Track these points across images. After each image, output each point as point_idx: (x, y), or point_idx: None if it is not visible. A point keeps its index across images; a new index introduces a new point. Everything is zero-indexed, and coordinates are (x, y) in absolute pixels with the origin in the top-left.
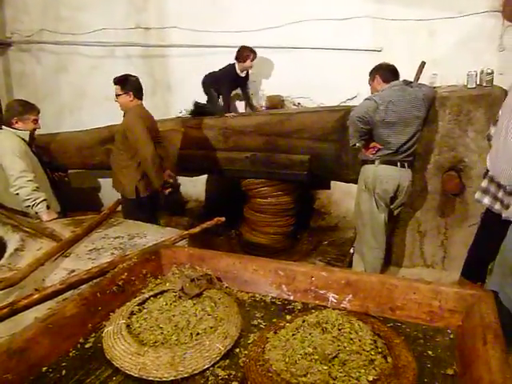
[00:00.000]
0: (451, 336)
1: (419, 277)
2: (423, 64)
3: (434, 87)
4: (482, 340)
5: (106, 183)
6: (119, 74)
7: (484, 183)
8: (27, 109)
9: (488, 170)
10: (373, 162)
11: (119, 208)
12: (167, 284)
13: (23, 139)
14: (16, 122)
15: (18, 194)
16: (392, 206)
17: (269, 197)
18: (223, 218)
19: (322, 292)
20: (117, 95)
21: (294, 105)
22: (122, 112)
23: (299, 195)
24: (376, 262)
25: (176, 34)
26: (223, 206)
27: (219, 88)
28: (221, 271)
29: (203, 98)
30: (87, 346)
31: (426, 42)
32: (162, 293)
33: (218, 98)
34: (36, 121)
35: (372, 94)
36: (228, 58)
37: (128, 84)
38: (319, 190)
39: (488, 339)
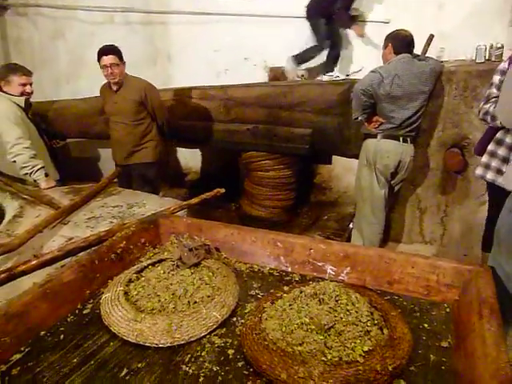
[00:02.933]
0: (447, 310)
1: (417, 253)
2: (431, 37)
3: (442, 61)
4: (477, 314)
5: (105, 153)
6: (115, 42)
7: (485, 158)
8: (9, 69)
9: (486, 147)
10: (375, 136)
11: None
12: (165, 253)
13: (19, 105)
14: (4, 86)
15: (14, 161)
16: (392, 182)
17: (269, 170)
18: (223, 190)
19: (320, 264)
20: (113, 65)
21: (297, 77)
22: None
23: (300, 169)
24: (374, 238)
25: (178, 0)
26: (223, 178)
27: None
28: (219, 241)
29: (211, 69)
30: (85, 311)
31: (434, 14)
32: (159, 261)
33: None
34: (24, 84)
35: (383, 60)
36: (233, 26)
37: (122, 53)
38: (320, 164)
39: (484, 313)
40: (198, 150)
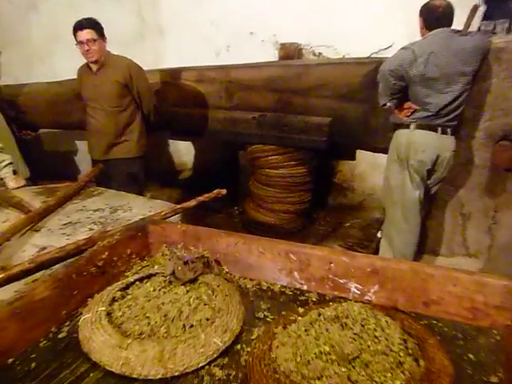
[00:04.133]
0: (497, 337)
1: (460, 268)
2: (475, 8)
3: (489, 36)
4: None
5: (84, 146)
6: (96, 15)
7: None
8: None
9: None
10: (407, 126)
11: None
12: (156, 266)
13: None
14: None
15: None
16: (429, 182)
17: (279, 167)
18: (224, 191)
19: (342, 281)
20: (90, 41)
21: (314, 55)
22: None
23: (316, 166)
24: (407, 249)
25: None
26: (224, 177)
27: None
28: (220, 253)
29: (209, 46)
30: (61, 335)
31: None
32: (149, 277)
33: None
34: None
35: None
36: None
37: (103, 28)
38: (341, 160)
39: None
40: (193, 142)
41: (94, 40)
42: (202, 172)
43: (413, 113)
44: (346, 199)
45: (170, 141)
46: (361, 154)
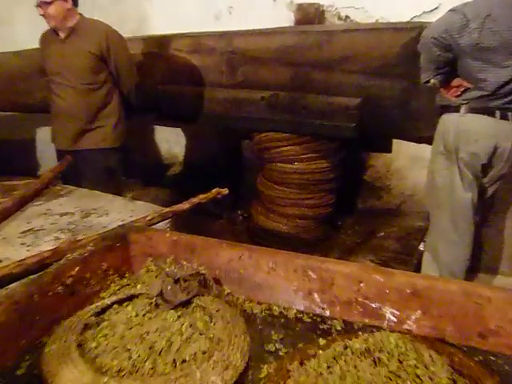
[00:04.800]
0: None
1: None
2: None
3: None
4: None
5: (47, 134)
6: None
7: None
8: None
9: None
10: (457, 109)
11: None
12: (138, 286)
13: None
14: None
15: None
16: (484, 180)
17: (295, 161)
18: (226, 190)
19: (374, 305)
20: (45, 4)
21: (340, 19)
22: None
23: (342, 160)
24: (457, 265)
25: None
26: (225, 173)
27: None
28: (220, 269)
29: (206, 7)
30: (19, 372)
31: None
32: (130, 298)
33: None
34: None
35: None
36: None
37: None
38: (374, 152)
39: None
40: (186, 130)
41: (48, 2)
42: (196, 167)
43: (463, 92)
44: (379, 202)
45: (157, 127)
46: (399, 144)
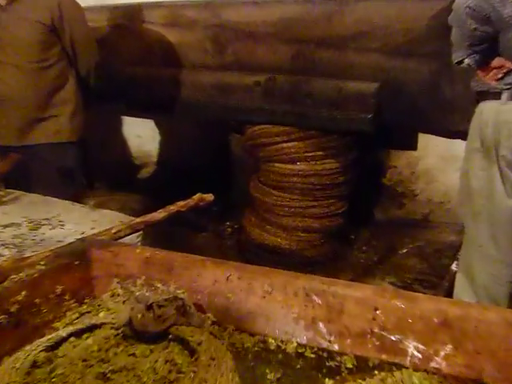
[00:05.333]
0: None
1: None
2: None
3: None
4: None
5: None
6: None
7: None
8: None
9: None
10: (498, 95)
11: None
12: (101, 314)
13: None
14: None
15: None
16: None
17: (298, 160)
18: (211, 196)
19: (394, 338)
20: None
21: None
22: None
23: (355, 160)
24: (497, 288)
25: None
26: (209, 175)
27: None
28: (203, 293)
29: None
30: None
31: None
32: (91, 329)
33: None
34: None
35: None
36: None
37: None
38: (396, 150)
39: None
40: (161, 122)
41: None
42: (174, 168)
43: (506, 75)
44: (402, 211)
45: (125, 119)
46: (426, 140)
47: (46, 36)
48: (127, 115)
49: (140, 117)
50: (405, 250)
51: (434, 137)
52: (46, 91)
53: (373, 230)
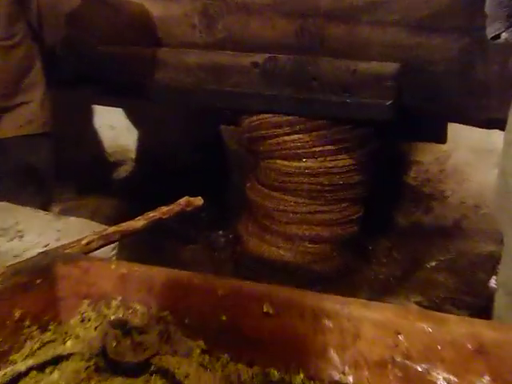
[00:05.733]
0: None
1: None
2: None
3: None
4: None
5: None
6: None
7: None
8: None
9: None
10: None
11: None
12: (69, 342)
13: None
14: None
15: None
16: None
17: (304, 156)
18: (200, 200)
19: (419, 368)
20: None
21: None
22: None
23: (373, 155)
24: None
25: None
26: (198, 175)
27: None
28: (192, 315)
29: None
30: None
31: None
32: (57, 361)
33: None
34: None
35: None
36: None
37: None
38: (421, 143)
39: None
40: (141, 111)
41: None
42: (156, 165)
43: None
44: (429, 216)
45: (98, 108)
46: (458, 130)
47: (10, 7)
48: (99, 103)
49: (115, 105)
50: (433, 263)
51: (466, 127)
52: (12, 74)
53: (394, 239)
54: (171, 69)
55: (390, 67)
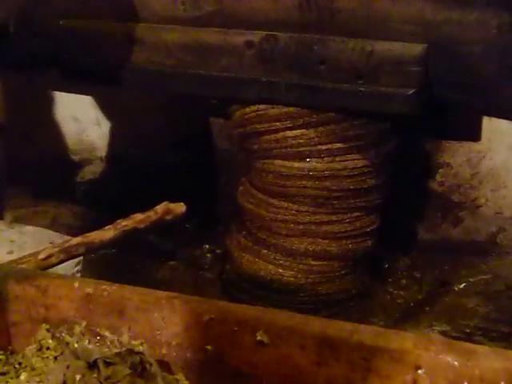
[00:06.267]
0: None
1: None
2: None
3: None
4: None
5: None
6: None
7: None
8: None
9: None
10: None
11: None
12: (23, 375)
13: None
14: None
15: None
16: None
17: (308, 156)
18: (182, 206)
19: None
20: None
21: None
22: None
23: (391, 155)
24: None
25: None
26: (180, 176)
27: None
28: (171, 344)
29: None
30: None
31: None
32: None
33: None
34: None
35: None
36: None
37: None
38: (449, 140)
39: None
40: (111, 99)
41: None
42: (129, 165)
43: None
44: (458, 229)
45: (58, 95)
46: (495, 126)
47: None
48: (61, 89)
49: (80, 92)
50: (462, 286)
51: (504, 122)
52: None
53: (416, 256)
54: (148, 48)
55: (415, 49)
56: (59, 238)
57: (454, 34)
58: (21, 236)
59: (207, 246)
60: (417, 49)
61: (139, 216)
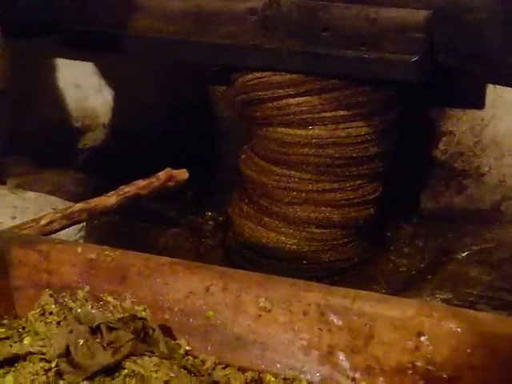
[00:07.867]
0: None
1: None
2: None
3: None
4: None
5: None
6: None
7: None
8: None
9: None
10: None
11: None
12: (27, 340)
13: None
14: None
15: None
16: None
17: (311, 123)
18: (184, 173)
19: (445, 375)
20: None
21: None
22: None
23: (394, 122)
24: None
25: None
26: (181, 144)
27: None
28: (173, 310)
29: None
30: None
31: None
32: (12, 362)
33: None
34: None
35: None
36: None
37: None
38: (453, 108)
39: None
40: (112, 67)
41: None
42: (131, 132)
43: None
44: (461, 198)
45: (58, 62)
46: (499, 93)
47: None
48: (61, 56)
49: (81, 58)
50: (465, 254)
51: (509, 90)
52: None
53: (418, 224)
54: (148, 15)
55: (419, 15)
56: (61, 204)
57: (459, 2)
58: (23, 202)
59: (209, 214)
60: (421, 15)
61: (141, 182)
